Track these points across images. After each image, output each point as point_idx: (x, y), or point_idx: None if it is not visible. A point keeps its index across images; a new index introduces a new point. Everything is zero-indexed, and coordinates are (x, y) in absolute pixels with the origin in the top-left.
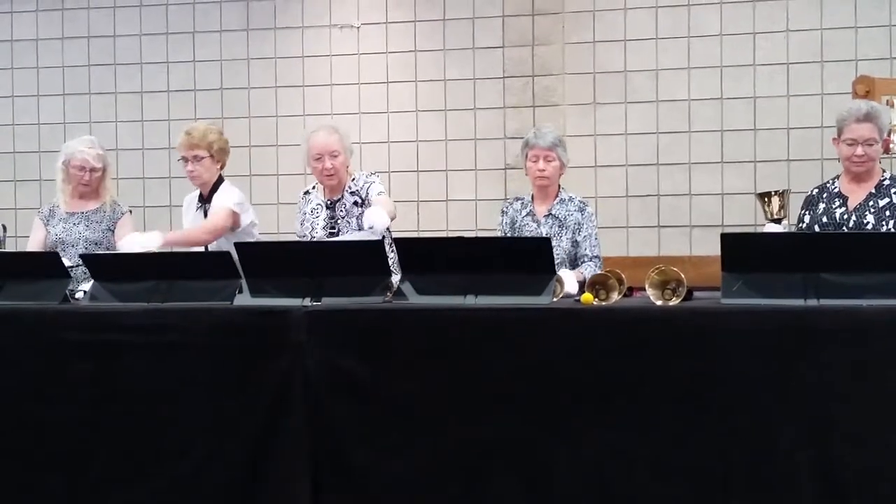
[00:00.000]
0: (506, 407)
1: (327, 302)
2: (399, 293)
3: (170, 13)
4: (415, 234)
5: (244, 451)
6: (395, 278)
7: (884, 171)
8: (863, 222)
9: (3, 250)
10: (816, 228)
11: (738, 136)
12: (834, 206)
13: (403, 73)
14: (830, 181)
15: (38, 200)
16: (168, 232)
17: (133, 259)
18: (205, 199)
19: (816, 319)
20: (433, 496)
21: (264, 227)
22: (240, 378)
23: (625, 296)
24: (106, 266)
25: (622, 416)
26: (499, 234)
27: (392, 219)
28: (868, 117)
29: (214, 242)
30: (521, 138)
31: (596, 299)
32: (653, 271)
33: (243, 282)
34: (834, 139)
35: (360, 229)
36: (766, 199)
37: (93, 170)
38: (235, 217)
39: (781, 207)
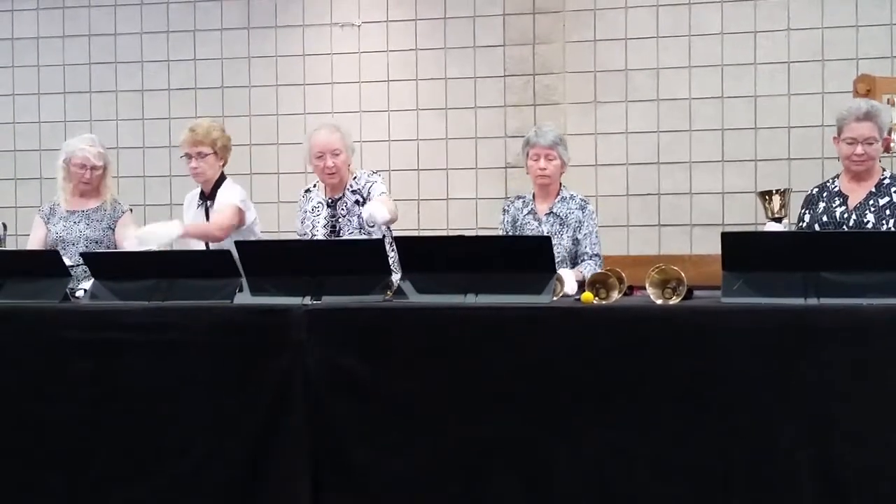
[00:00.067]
0: (506, 406)
1: (327, 301)
2: (399, 292)
3: (171, 11)
4: (415, 233)
5: (244, 449)
6: (396, 277)
7: (884, 169)
8: (863, 221)
9: (3, 249)
10: (816, 227)
11: (739, 134)
12: (834, 205)
13: (404, 71)
14: (830, 180)
15: (38, 199)
16: (187, 224)
17: (133, 258)
18: (206, 197)
19: (817, 318)
20: (433, 495)
21: (264, 225)
22: (240, 376)
23: (625, 295)
24: (106, 264)
25: (622, 414)
26: (501, 232)
27: (393, 220)
28: (868, 116)
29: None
30: (522, 137)
31: (596, 298)
32: (653, 270)
33: (243, 280)
34: (834, 138)
35: (360, 228)
36: (767, 198)
37: (93, 168)
38: (241, 214)
39: (782, 206)
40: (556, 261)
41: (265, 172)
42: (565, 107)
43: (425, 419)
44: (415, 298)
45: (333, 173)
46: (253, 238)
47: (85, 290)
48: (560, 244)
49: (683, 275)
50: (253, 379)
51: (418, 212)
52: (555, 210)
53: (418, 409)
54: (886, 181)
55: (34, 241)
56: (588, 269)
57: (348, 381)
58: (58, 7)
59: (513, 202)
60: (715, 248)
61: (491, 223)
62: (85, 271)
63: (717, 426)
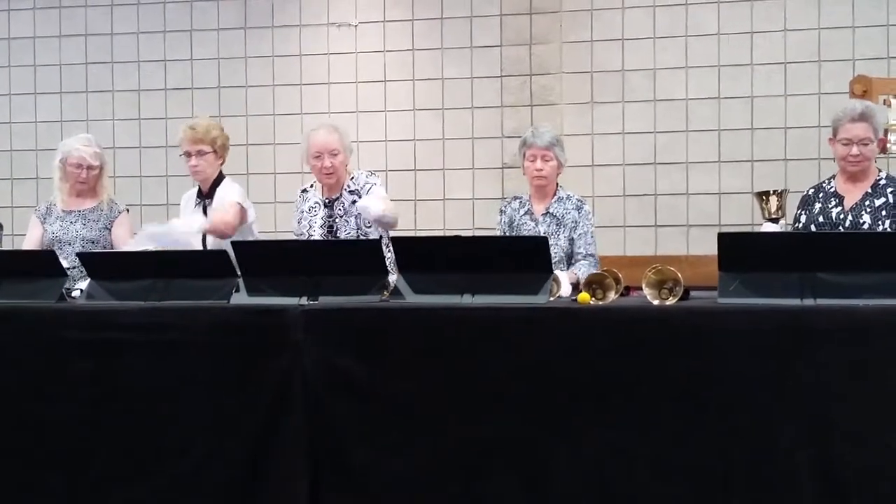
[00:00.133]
0: (505, 406)
1: (324, 301)
2: (396, 292)
3: (167, 11)
4: (412, 234)
5: (244, 449)
6: (392, 278)
7: (880, 170)
8: (859, 222)
9: None
10: (812, 228)
11: (736, 135)
12: (830, 206)
13: (401, 71)
14: (826, 181)
15: (34, 199)
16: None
17: (129, 258)
18: (204, 196)
19: (813, 319)
20: (433, 495)
21: (261, 225)
22: (240, 377)
23: (622, 295)
24: (102, 265)
25: (621, 415)
26: (498, 233)
27: (389, 222)
28: (863, 117)
29: (211, 240)
30: (519, 137)
31: (593, 299)
32: (650, 271)
33: (240, 280)
34: (830, 139)
35: (358, 229)
36: (764, 199)
37: (90, 168)
38: (243, 212)
39: (779, 207)
40: (553, 261)
41: (261, 172)
42: (562, 107)
43: (425, 419)
44: (412, 299)
45: (331, 173)
46: (251, 238)
47: (81, 290)
48: (556, 244)
49: (680, 275)
50: (253, 379)
51: (415, 212)
52: (551, 210)
53: (417, 410)
54: (882, 182)
55: (30, 240)
56: (582, 269)
57: (345, 382)
58: (54, 7)
59: (509, 203)
60: (711, 248)
61: (488, 223)
62: (82, 272)
63: (716, 426)
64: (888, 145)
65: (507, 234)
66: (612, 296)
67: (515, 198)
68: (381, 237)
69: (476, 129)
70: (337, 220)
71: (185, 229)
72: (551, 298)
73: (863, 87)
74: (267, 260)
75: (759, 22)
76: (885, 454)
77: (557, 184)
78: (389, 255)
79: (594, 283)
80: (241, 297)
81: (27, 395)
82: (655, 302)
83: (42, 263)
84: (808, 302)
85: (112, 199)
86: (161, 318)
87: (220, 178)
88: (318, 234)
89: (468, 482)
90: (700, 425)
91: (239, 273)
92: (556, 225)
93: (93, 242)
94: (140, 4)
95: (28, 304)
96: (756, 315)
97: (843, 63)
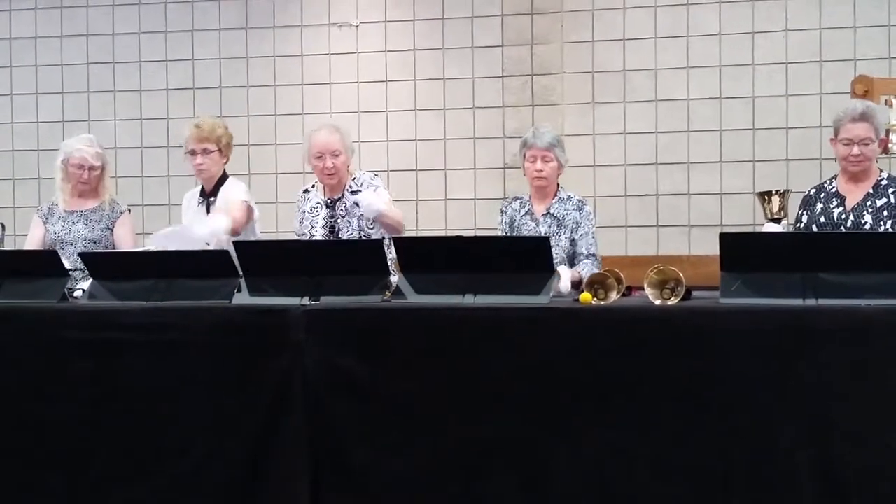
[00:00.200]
0: (505, 406)
1: (326, 301)
2: (398, 292)
3: (169, 11)
4: (414, 234)
5: (244, 449)
6: (394, 278)
7: (881, 170)
8: (860, 222)
9: (1, 248)
10: (814, 228)
11: (737, 135)
12: (832, 206)
13: (402, 71)
14: (828, 181)
15: (36, 199)
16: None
17: (131, 258)
18: (207, 195)
19: (815, 319)
20: (433, 494)
21: (263, 225)
22: (240, 377)
23: (623, 295)
24: (104, 265)
25: (622, 415)
26: (499, 233)
27: (389, 223)
28: (864, 117)
29: (214, 241)
30: (520, 137)
31: (595, 299)
32: (651, 271)
33: (242, 280)
34: (831, 139)
35: (360, 230)
36: (766, 199)
37: (91, 168)
38: (249, 210)
39: (781, 207)
40: (554, 262)
41: (263, 173)
42: (563, 107)
43: (425, 419)
44: (413, 299)
45: (333, 174)
46: (253, 237)
47: (83, 290)
48: (557, 245)
49: (682, 275)
50: (253, 379)
51: (417, 212)
52: (552, 211)
53: (418, 410)
54: (884, 182)
55: (32, 240)
56: (586, 268)
57: (347, 382)
58: (56, 7)
59: (510, 203)
60: (713, 248)
61: (489, 223)
62: (83, 271)
63: (716, 426)
64: (889, 145)
65: (508, 234)
66: (613, 296)
67: (516, 198)
68: (382, 237)
69: (477, 130)
70: (339, 221)
71: (212, 229)
72: (551, 293)
73: (864, 88)
74: (269, 260)
75: (760, 22)
76: (886, 454)
77: (558, 184)
78: (391, 256)
79: (596, 283)
80: (243, 297)
81: (27, 395)
82: (657, 302)
83: (44, 263)
84: (810, 302)
85: (114, 200)
86: (162, 318)
87: (223, 177)
88: (319, 235)
89: (468, 482)
90: (700, 425)
91: (241, 273)
92: (557, 226)
93: (95, 242)
94: (141, 5)
95: (28, 304)
96: (758, 315)
97: (845, 63)
